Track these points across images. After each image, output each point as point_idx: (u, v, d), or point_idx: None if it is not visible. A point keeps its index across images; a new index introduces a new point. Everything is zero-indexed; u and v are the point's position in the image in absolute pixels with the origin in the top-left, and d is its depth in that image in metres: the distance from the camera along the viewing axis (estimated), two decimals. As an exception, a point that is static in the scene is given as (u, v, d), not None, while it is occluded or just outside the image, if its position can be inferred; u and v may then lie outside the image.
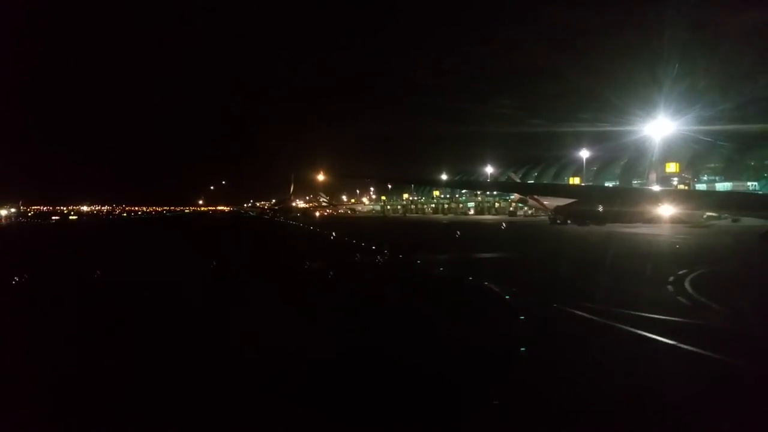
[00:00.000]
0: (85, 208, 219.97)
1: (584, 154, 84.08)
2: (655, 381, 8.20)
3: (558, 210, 63.97)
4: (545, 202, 76.17)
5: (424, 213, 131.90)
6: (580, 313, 12.52)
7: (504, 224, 62.44)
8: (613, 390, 7.81)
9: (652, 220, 48.99)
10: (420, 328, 11.52)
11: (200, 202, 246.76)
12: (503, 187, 73.71)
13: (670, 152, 71.86)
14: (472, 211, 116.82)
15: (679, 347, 9.75)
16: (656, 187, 53.15)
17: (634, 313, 12.37)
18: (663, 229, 45.23)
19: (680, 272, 18.68)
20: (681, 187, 54.23)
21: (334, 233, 50.48)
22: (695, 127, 63.41)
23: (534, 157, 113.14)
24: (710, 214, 56.36)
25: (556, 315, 12.66)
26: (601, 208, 66.58)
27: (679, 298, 14.52)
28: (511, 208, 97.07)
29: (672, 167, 57.95)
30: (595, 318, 12.16)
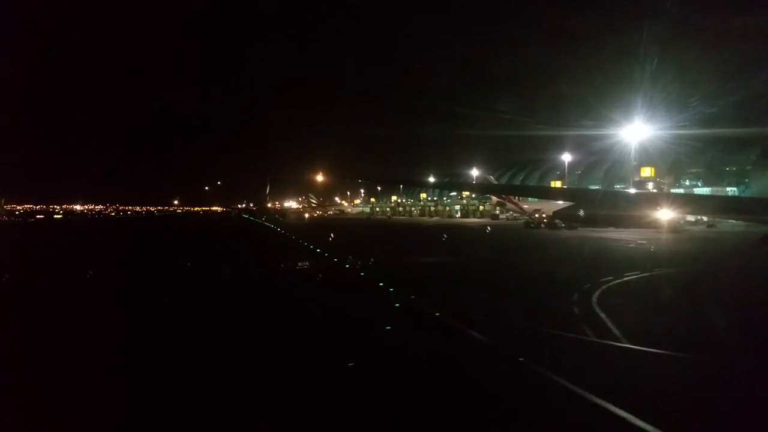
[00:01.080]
0: (78, 207, 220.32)
1: (567, 158, 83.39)
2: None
3: (533, 214, 63.49)
4: (525, 206, 75.67)
5: (411, 215, 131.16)
6: (431, 312, 13.70)
7: (480, 228, 62.00)
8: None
9: (629, 224, 48.37)
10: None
11: (195, 202, 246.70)
12: (476, 188, 73.15)
13: (652, 157, 71.51)
14: (458, 214, 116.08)
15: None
16: (632, 191, 52.72)
17: (480, 317, 13.00)
18: (635, 234, 44.62)
19: (603, 279, 18.34)
20: (654, 191, 53.54)
21: (293, 234, 51.29)
22: (677, 132, 63.24)
23: (520, 161, 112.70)
24: (689, 219, 56.01)
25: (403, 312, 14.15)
26: (581, 212, 66.24)
27: (573, 307, 14.18)
28: (496, 211, 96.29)
29: (647, 171, 57.28)
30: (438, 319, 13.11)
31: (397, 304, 15.06)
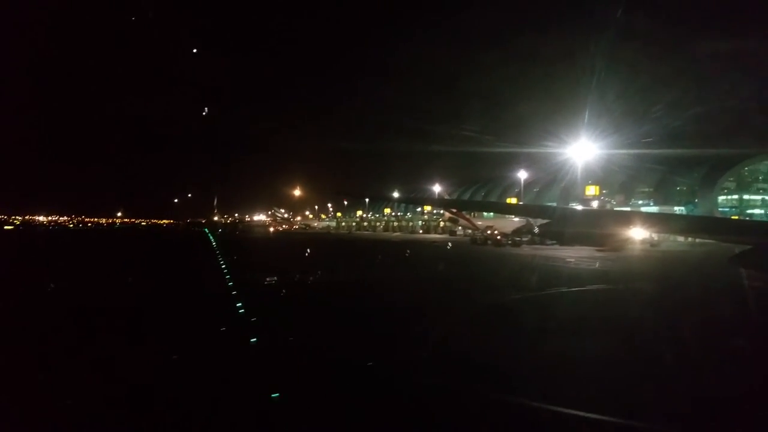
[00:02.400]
0: (41, 218, 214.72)
1: (523, 175, 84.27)
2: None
3: (486, 230, 63.71)
4: (479, 222, 75.89)
5: (375, 230, 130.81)
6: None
7: (429, 243, 61.80)
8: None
9: (574, 241, 48.94)
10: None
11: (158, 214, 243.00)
12: (429, 202, 73.24)
13: (606, 176, 72.75)
14: (421, 231, 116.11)
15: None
16: (578, 207, 53.42)
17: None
18: (577, 251, 44.95)
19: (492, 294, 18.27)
20: (598, 208, 54.03)
21: (222, 247, 50.74)
22: (629, 152, 64.56)
23: (482, 178, 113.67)
24: (636, 237, 56.69)
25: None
26: (536, 229, 66.87)
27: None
28: (458, 229, 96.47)
29: (592, 190, 58.03)
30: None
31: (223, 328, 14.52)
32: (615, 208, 59.98)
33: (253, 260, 39.70)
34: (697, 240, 46.38)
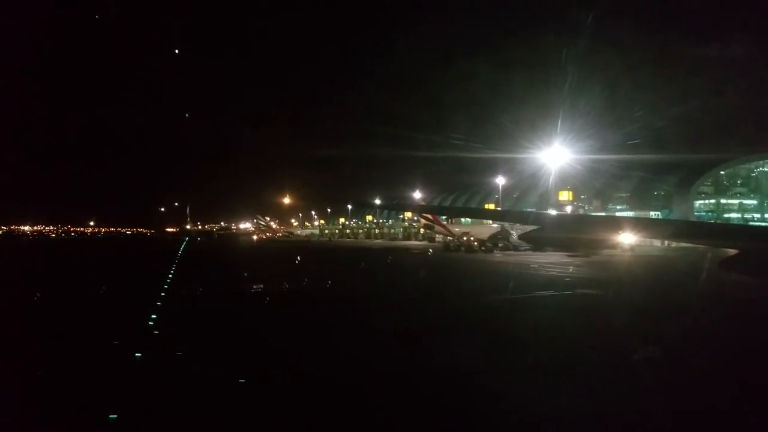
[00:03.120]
0: (26, 228, 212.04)
1: (501, 181, 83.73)
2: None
3: (462, 236, 63.07)
4: (456, 229, 75.20)
5: (357, 237, 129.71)
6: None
7: (403, 250, 60.96)
8: None
9: (548, 247, 48.58)
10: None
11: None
12: (408, 209, 72.68)
13: (584, 182, 72.53)
14: (401, 238, 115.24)
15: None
16: (552, 212, 52.83)
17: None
18: (550, 257, 44.33)
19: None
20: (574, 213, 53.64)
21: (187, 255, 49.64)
22: (606, 157, 64.33)
23: (464, 184, 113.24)
24: (610, 242, 56.19)
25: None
26: (513, 235, 66.35)
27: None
28: (437, 236, 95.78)
29: (565, 195, 57.56)
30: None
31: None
32: (591, 213, 59.55)
33: (207, 270, 38.65)
34: (673, 244, 45.93)
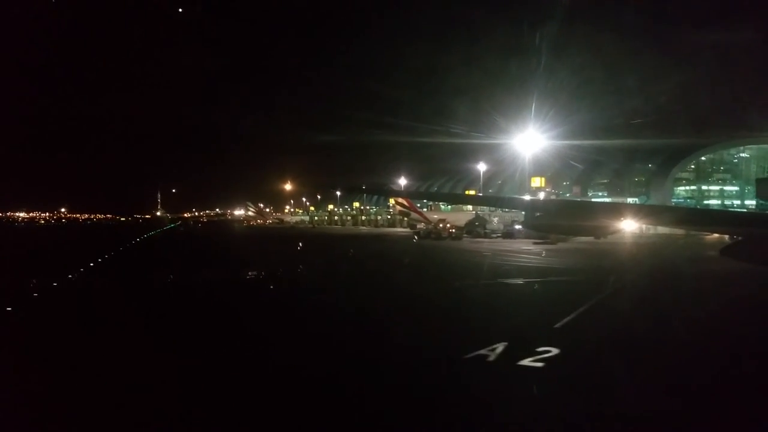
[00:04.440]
0: (21, 215, 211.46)
1: (482, 167, 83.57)
2: None
3: (438, 224, 63.20)
4: (435, 216, 75.22)
5: (344, 224, 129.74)
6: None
7: (376, 237, 61.00)
8: None
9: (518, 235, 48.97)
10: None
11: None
12: (380, 192, 72.45)
13: (562, 168, 72.42)
14: (386, 224, 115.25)
15: None
16: (527, 197, 52.67)
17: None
18: (507, 245, 44.40)
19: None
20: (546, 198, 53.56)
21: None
22: (587, 142, 64.19)
23: (448, 170, 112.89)
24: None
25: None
26: (491, 222, 66.46)
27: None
28: (420, 223, 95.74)
29: (537, 182, 57.53)
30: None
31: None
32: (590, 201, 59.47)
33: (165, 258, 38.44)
34: (658, 230, 45.67)
